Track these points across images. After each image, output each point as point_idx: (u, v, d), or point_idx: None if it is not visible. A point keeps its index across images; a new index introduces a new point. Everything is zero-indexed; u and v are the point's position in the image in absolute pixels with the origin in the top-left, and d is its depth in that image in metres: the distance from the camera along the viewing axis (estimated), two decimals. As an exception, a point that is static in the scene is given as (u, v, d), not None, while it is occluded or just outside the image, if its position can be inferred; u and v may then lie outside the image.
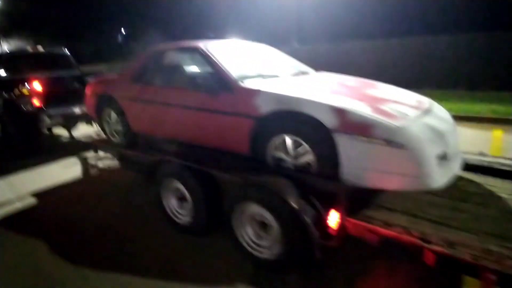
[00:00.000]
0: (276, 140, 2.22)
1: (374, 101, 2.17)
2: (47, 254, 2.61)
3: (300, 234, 1.92)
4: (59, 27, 26.37)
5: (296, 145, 2.15)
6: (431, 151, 1.84)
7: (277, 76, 2.68)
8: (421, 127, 1.93)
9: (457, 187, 2.44)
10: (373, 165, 1.90)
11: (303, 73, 3.01)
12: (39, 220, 3.22)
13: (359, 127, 1.90)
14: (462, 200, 2.25)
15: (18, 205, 3.57)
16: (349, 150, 1.94)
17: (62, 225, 3.09)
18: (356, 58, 11.03)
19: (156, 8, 22.78)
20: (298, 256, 2.01)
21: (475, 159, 2.86)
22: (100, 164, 4.69)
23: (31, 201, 3.68)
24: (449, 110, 6.47)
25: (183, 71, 2.81)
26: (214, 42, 2.96)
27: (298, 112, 2.05)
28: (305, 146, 2.10)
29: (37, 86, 5.18)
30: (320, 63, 11.83)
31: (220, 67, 2.54)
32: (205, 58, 2.67)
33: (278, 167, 2.26)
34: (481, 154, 3.05)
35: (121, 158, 3.50)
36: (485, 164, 2.76)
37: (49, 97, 5.38)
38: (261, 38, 13.99)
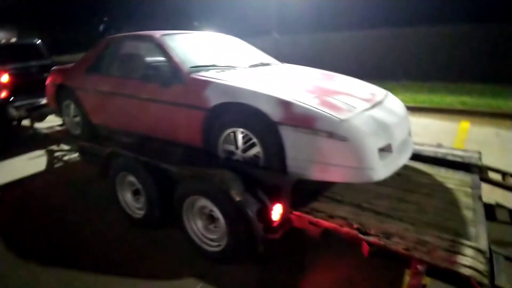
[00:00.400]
0: (226, 133, 2.19)
1: (324, 94, 2.15)
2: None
3: (243, 227, 1.91)
4: (42, 17, 25.47)
5: (246, 138, 2.13)
6: (373, 144, 1.84)
7: (233, 68, 2.63)
8: (365, 120, 1.93)
9: (408, 178, 2.49)
10: (317, 158, 1.89)
11: (264, 64, 2.97)
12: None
13: (303, 120, 1.88)
14: (411, 191, 2.29)
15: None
16: (294, 142, 1.93)
17: (14, 220, 3.01)
18: (336, 49, 11.05)
19: (139, -4, 22.13)
20: (242, 249, 2.00)
21: (430, 150, 2.92)
22: (66, 157, 4.58)
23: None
24: (421, 102, 6.61)
25: (137, 62, 2.73)
26: (172, 32, 2.88)
27: (244, 104, 2.02)
28: (253, 139, 2.08)
29: (3, 77, 5.03)
30: (299, 54, 11.87)
31: (172, 57, 2.48)
32: (159, 48, 2.60)
33: (228, 160, 2.23)
34: (438, 145, 3.11)
35: (81, 150, 3.41)
36: (440, 155, 2.82)
37: (16, 88, 5.22)
38: (244, 28, 13.86)
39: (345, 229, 1.78)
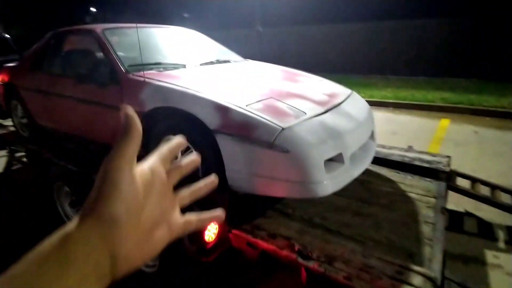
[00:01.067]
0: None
1: (275, 97, 1.94)
2: None
3: (174, 246, 1.71)
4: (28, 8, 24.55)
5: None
6: (319, 155, 1.64)
7: (182, 66, 2.39)
8: (312, 128, 1.72)
9: (370, 187, 2.31)
10: (258, 170, 1.69)
11: (220, 62, 2.73)
12: None
13: (242, 128, 1.67)
14: (369, 202, 2.11)
15: None
16: (232, 153, 1.72)
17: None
18: (321, 42, 10.82)
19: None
20: (176, 270, 1.80)
21: (398, 154, 2.74)
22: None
23: None
24: (403, 98, 6.43)
25: (76, 59, 2.48)
26: (117, 26, 2.63)
27: (179, 109, 1.80)
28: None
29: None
30: (282, 47, 11.57)
31: (111, 54, 2.23)
32: (99, 44, 2.35)
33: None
34: (408, 149, 2.94)
35: (28, 154, 3.16)
36: (407, 160, 2.64)
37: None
38: (227, 20, 13.45)
39: (285, 252, 1.59)
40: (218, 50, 3.05)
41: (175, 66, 2.34)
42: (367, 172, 2.50)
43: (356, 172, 1.92)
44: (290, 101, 1.93)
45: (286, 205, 2.03)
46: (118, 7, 22.09)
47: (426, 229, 1.83)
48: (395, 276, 1.43)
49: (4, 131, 3.70)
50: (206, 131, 1.75)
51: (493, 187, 2.57)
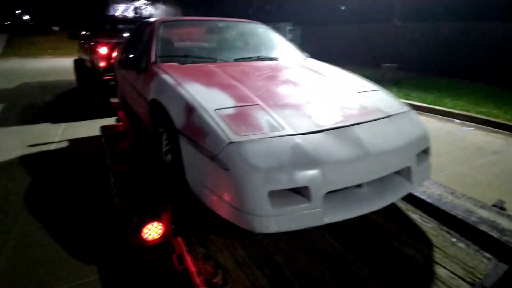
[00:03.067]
0: (159, 131, 2.02)
1: (265, 104, 1.69)
2: None
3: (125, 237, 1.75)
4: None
5: (167, 141, 1.91)
6: (264, 183, 1.33)
7: (213, 60, 2.37)
8: (273, 148, 1.40)
9: (386, 242, 1.75)
10: (205, 182, 1.52)
11: (262, 58, 2.54)
12: None
13: (197, 132, 1.53)
14: (367, 261, 1.60)
15: None
16: (189, 157, 1.61)
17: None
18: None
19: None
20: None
21: (463, 209, 1.95)
22: None
23: None
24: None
25: (137, 47, 2.78)
26: (175, 19, 2.81)
27: (157, 101, 1.80)
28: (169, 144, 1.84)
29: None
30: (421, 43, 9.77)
31: (152, 44, 2.41)
32: (151, 35, 2.56)
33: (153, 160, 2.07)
34: (493, 206, 2.04)
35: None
36: (471, 220, 1.85)
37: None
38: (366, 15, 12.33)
39: (200, 279, 1.39)
40: (273, 46, 2.86)
41: (204, 60, 2.34)
42: (399, 220, 1.92)
43: (338, 215, 1.47)
44: (280, 112, 1.64)
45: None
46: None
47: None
48: None
49: (115, 100, 4.59)
50: (174, 129, 1.69)
51: None
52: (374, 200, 1.59)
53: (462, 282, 1.50)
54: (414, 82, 9.12)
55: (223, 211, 1.46)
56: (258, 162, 1.34)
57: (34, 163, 3.87)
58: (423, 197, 2.08)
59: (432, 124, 5.72)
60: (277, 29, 11.54)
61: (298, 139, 1.47)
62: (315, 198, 1.39)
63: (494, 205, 2.05)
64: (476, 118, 5.70)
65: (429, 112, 6.46)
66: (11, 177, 3.49)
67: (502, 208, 2.03)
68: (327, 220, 1.43)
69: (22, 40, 27.91)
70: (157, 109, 1.92)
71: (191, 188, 1.65)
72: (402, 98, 7.20)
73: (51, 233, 2.49)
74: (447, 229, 1.86)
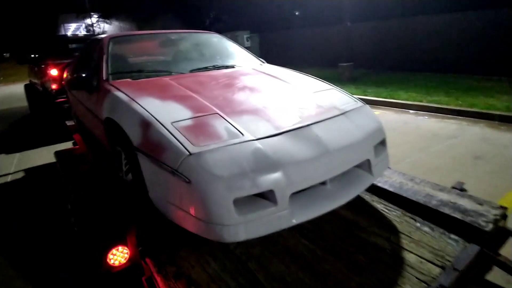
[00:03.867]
0: (117, 150, 1.94)
1: (223, 112, 1.67)
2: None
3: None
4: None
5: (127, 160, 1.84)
6: (228, 192, 1.31)
7: (168, 73, 2.32)
8: (234, 156, 1.40)
9: (355, 233, 1.80)
10: (169, 197, 1.48)
11: (218, 67, 2.54)
12: None
13: (155, 147, 1.49)
14: (339, 255, 1.63)
15: None
16: (150, 174, 1.56)
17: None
18: (425, 35, 9.27)
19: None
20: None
21: (425, 194, 2.04)
22: None
23: None
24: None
25: (87, 65, 2.68)
26: (128, 34, 2.75)
27: (111, 119, 1.73)
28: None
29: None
30: (379, 42, 10.31)
31: (102, 61, 2.33)
32: (100, 51, 2.48)
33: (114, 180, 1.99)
34: (453, 188, 2.16)
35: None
36: (433, 204, 1.94)
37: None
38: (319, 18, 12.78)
39: (171, 300, 1.34)
40: (228, 54, 2.87)
41: (158, 74, 2.29)
42: (366, 212, 1.98)
43: (305, 215, 1.49)
44: (239, 119, 1.63)
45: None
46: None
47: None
48: None
49: (71, 123, 4.37)
50: (130, 147, 1.63)
51: None
52: (339, 195, 1.62)
53: (431, 265, 1.55)
54: (370, 78, 9.57)
55: (190, 225, 1.43)
56: (219, 171, 1.33)
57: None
58: (385, 186, 2.17)
59: (389, 116, 6.01)
60: (235, 38, 11.64)
61: (258, 143, 1.48)
62: (281, 200, 1.39)
63: (453, 187, 2.16)
64: (429, 106, 6.08)
65: (385, 106, 6.79)
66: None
67: (462, 190, 2.14)
68: (295, 221, 1.44)
69: (-32, 68, 25.95)
70: (113, 128, 1.85)
71: (156, 206, 1.60)
72: (359, 95, 7.53)
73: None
74: (410, 215, 1.94)
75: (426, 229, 1.82)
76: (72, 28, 32.15)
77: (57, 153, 2.70)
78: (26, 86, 8.27)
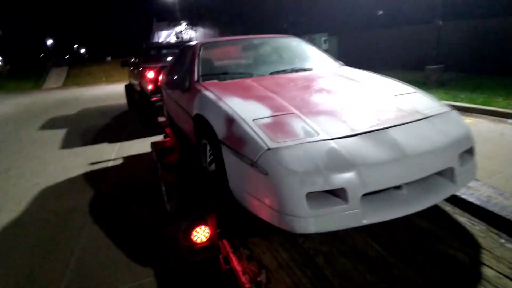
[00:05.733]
0: (202, 143, 2.20)
1: (300, 112, 1.78)
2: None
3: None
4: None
5: (211, 152, 2.07)
6: (301, 186, 1.40)
7: (250, 75, 2.52)
8: (308, 153, 1.48)
9: (428, 246, 1.71)
10: (246, 187, 1.64)
11: (297, 70, 2.65)
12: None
13: (237, 141, 1.66)
14: (410, 264, 1.59)
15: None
16: (231, 165, 1.74)
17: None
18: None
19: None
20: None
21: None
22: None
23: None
24: None
25: (181, 68, 3.04)
26: (216, 40, 3.04)
27: (201, 115, 1.97)
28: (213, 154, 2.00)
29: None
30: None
31: (193, 65, 2.63)
32: (192, 56, 2.80)
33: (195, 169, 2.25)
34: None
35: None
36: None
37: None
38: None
39: (245, 278, 1.49)
40: (307, 58, 2.95)
41: (241, 76, 2.50)
42: (446, 223, 1.87)
43: (376, 217, 1.50)
44: (315, 119, 1.72)
45: (307, 237, 1.83)
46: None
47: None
48: None
49: (162, 119, 4.95)
50: (216, 140, 1.84)
51: None
52: (414, 201, 1.58)
53: (508, 281, 1.43)
54: (462, 83, 8.60)
55: (264, 214, 1.56)
56: (294, 166, 1.43)
57: (95, 178, 4.30)
58: (471, 199, 2.00)
59: (482, 125, 5.36)
60: (312, 40, 11.62)
61: (332, 143, 1.54)
62: (352, 199, 1.43)
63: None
64: (535, 116, 5.23)
65: (479, 113, 6.06)
66: (78, 188, 3.92)
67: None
68: (365, 221, 1.46)
69: (79, 70, 31.01)
70: (201, 123, 2.10)
71: (234, 195, 1.78)
72: (449, 101, 6.85)
73: (113, 237, 2.77)
74: (496, 231, 1.78)
75: (510, 245, 1.65)
76: (164, 35, 35.80)
77: (153, 143, 3.13)
78: (126, 86, 9.57)
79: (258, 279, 1.47)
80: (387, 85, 2.28)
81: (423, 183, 1.66)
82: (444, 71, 8.91)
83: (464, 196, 2.04)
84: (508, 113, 5.63)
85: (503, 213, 1.80)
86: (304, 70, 2.68)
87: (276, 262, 1.60)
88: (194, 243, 1.77)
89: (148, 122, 6.34)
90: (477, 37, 9.83)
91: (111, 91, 17.20)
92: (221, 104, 1.91)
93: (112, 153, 5.44)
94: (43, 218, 3.30)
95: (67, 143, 6.41)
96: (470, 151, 1.84)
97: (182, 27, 26.85)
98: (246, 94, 2.05)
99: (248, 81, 2.36)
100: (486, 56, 9.67)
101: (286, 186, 1.41)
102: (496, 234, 1.75)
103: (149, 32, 37.35)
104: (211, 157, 2.05)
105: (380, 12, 15.66)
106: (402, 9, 12.66)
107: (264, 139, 1.55)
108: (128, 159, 5.03)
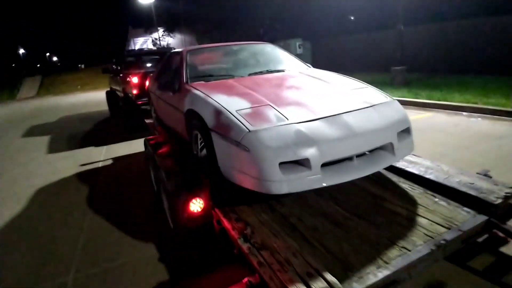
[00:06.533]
0: (194, 134, 2.60)
1: (274, 104, 2.22)
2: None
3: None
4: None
5: (201, 140, 2.48)
6: (275, 158, 1.84)
7: (231, 76, 2.95)
8: (280, 133, 1.93)
9: (379, 203, 2.21)
10: (233, 164, 2.06)
11: (271, 71, 3.11)
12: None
13: (225, 128, 2.08)
14: (363, 217, 2.06)
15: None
16: (219, 148, 2.16)
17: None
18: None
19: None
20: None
21: (444, 176, 2.35)
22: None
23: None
24: None
25: (169, 72, 3.44)
26: (197, 47, 3.46)
27: (195, 110, 2.38)
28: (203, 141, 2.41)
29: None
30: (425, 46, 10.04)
31: (182, 69, 3.04)
32: (180, 61, 3.21)
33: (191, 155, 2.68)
34: (477, 173, 2.42)
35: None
36: (449, 183, 2.26)
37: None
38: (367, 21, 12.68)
39: (234, 232, 1.90)
40: (280, 61, 3.42)
41: (224, 77, 2.93)
42: (392, 189, 2.36)
43: (333, 179, 1.95)
44: (285, 109, 2.16)
45: (280, 202, 2.27)
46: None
47: (393, 254, 1.70)
48: (302, 276, 1.52)
49: (149, 121, 5.28)
50: (207, 129, 2.25)
51: None
52: (362, 168, 2.05)
53: (440, 227, 1.91)
54: (424, 82, 9.41)
55: (248, 183, 1.98)
56: (269, 143, 1.87)
57: (88, 177, 4.58)
58: (412, 170, 2.52)
59: (439, 118, 6.02)
60: (287, 45, 12.19)
61: (298, 126, 1.99)
62: (314, 167, 1.88)
63: (477, 173, 2.43)
64: (483, 108, 5.96)
65: (437, 108, 6.76)
66: (73, 186, 4.19)
67: (486, 175, 2.40)
68: (325, 184, 1.92)
69: (53, 79, 30.34)
70: (192, 116, 2.51)
71: (222, 172, 2.19)
72: (410, 97, 7.56)
73: (114, 224, 3.11)
74: (432, 193, 2.28)
75: (443, 203, 2.16)
76: (140, 42, 35.63)
77: (146, 139, 3.48)
78: (107, 93, 9.75)
79: (245, 232, 1.89)
80: (345, 82, 2.77)
81: (370, 156, 2.14)
82: (408, 72, 9.71)
83: (407, 168, 2.55)
84: (462, 107, 6.35)
85: (437, 179, 2.31)
86: (277, 71, 3.15)
87: (258, 221, 2.02)
88: (192, 213, 2.17)
89: (134, 125, 6.63)
90: (437, 40, 10.75)
91: (88, 99, 17.16)
92: (209, 100, 2.33)
93: (100, 155, 5.69)
94: (45, 212, 3.58)
95: (54, 148, 6.58)
96: (407, 131, 2.35)
97: (159, 33, 26.93)
98: (229, 91, 2.48)
99: (230, 81, 2.79)
100: (445, 57, 10.60)
101: (264, 158, 1.85)
102: (432, 195, 2.25)
103: (124, 39, 37.05)
104: (202, 144, 2.46)
105: (351, 18, 16.58)
106: (370, 15, 13.55)
107: (246, 124, 1.99)
108: (117, 159, 5.32)
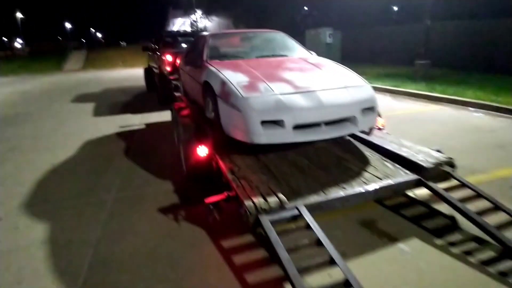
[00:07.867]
0: (207, 100, 3.37)
1: (266, 79, 2.91)
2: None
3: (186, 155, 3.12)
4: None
5: (212, 104, 3.24)
6: (258, 117, 2.56)
7: (241, 57, 3.67)
8: (265, 100, 2.63)
9: (340, 162, 2.86)
10: (230, 121, 2.80)
11: (276, 55, 3.79)
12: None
13: (226, 95, 2.82)
14: (324, 169, 2.74)
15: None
16: (222, 110, 2.90)
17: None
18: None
19: None
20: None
21: (396, 146, 2.94)
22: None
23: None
24: None
25: (195, 52, 4.21)
26: (222, 32, 4.17)
27: (208, 82, 3.14)
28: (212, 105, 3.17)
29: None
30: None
31: (204, 49, 3.79)
32: (203, 44, 3.96)
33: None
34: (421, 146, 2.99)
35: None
36: (397, 150, 2.85)
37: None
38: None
39: (225, 169, 2.66)
40: (285, 47, 4.08)
41: (235, 58, 3.65)
42: (354, 153, 3.01)
43: (302, 137, 2.64)
44: (273, 83, 2.85)
45: (264, 155, 2.99)
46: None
47: (334, 190, 2.38)
48: (263, 194, 2.24)
49: (178, 94, 6.14)
50: (215, 96, 3.00)
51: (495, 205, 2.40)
52: (327, 132, 2.71)
53: (376, 178, 2.55)
54: (446, 78, 9.54)
55: (239, 135, 2.72)
56: (255, 106, 2.59)
57: (125, 136, 5.55)
58: (375, 141, 3.13)
59: (445, 112, 6.37)
60: (317, 34, 12.50)
61: (280, 96, 2.68)
62: (287, 126, 2.58)
63: (431, 149, 2.99)
64: (489, 105, 6.23)
65: (447, 103, 7.05)
66: (114, 141, 5.17)
67: (438, 151, 2.96)
68: (295, 139, 2.62)
69: (97, 54, 32.42)
70: (206, 87, 3.27)
71: (223, 128, 2.94)
72: (426, 91, 7.86)
73: (144, 166, 4.01)
74: (385, 159, 2.89)
75: (389, 165, 2.77)
76: (179, 23, 36.89)
77: (172, 105, 4.34)
78: (145, 70, 10.80)
79: (234, 170, 2.64)
80: (334, 68, 3.38)
81: (336, 124, 2.79)
82: (431, 67, 9.84)
83: (369, 138, 3.17)
84: (469, 102, 6.63)
85: (392, 149, 2.90)
86: (280, 56, 3.81)
87: (244, 164, 2.76)
88: (198, 156, 2.97)
89: (166, 98, 7.57)
90: (466, 37, 10.67)
91: (129, 75, 18.51)
92: (219, 74, 3.07)
93: (136, 121, 6.68)
94: (92, 157, 4.57)
95: (98, 113, 7.70)
96: (372, 109, 2.94)
97: (198, 16, 27.88)
98: (236, 69, 3.20)
99: (239, 61, 3.51)
100: (474, 55, 10.53)
101: (250, 117, 2.57)
102: (384, 160, 2.87)
103: (165, 20, 38.46)
104: (211, 108, 3.22)
105: (396, 8, 16.46)
106: (398, 9, 13.49)
107: (241, 92, 2.70)
108: (149, 125, 6.27)
